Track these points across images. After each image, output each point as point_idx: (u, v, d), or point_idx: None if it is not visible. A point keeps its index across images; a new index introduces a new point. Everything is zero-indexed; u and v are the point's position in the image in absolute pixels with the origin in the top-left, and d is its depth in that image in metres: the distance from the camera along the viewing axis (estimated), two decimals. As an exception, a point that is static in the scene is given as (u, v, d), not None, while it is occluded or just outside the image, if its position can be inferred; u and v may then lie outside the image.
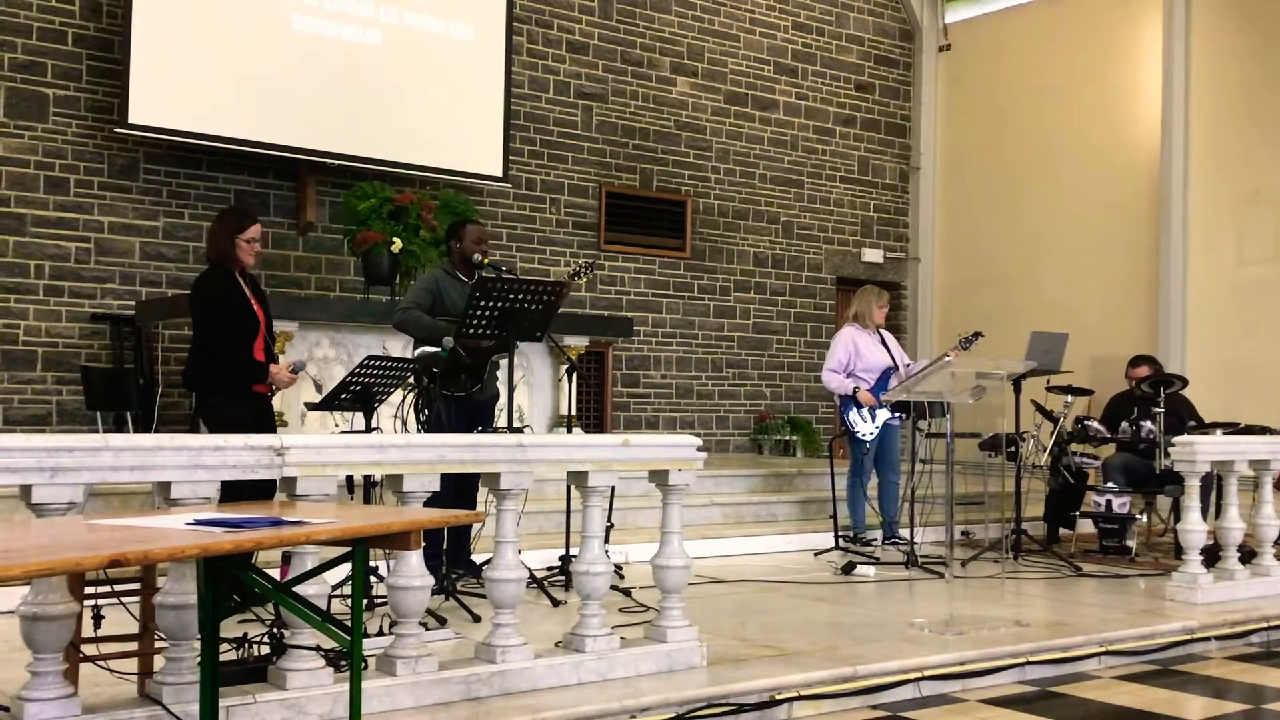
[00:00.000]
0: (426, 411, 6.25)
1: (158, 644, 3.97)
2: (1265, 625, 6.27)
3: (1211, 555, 6.86)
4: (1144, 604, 6.57)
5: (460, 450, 4.39)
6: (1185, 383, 8.89)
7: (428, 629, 4.80)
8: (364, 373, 6.15)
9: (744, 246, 13.09)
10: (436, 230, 9.31)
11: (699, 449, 4.90)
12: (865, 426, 8.30)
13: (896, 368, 8.38)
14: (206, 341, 5.84)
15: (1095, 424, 8.90)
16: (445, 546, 6.27)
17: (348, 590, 5.17)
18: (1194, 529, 6.62)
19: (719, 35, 12.92)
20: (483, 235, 6.73)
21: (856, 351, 8.38)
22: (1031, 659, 5.33)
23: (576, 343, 9.52)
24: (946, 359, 7.39)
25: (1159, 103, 12.25)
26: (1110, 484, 8.53)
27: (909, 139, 14.43)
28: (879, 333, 8.55)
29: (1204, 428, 8.73)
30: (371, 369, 6.15)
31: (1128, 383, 9.15)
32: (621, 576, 6.70)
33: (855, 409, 8.31)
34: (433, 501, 4.33)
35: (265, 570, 3.44)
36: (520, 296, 6.05)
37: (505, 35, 11.04)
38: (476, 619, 5.50)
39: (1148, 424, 8.58)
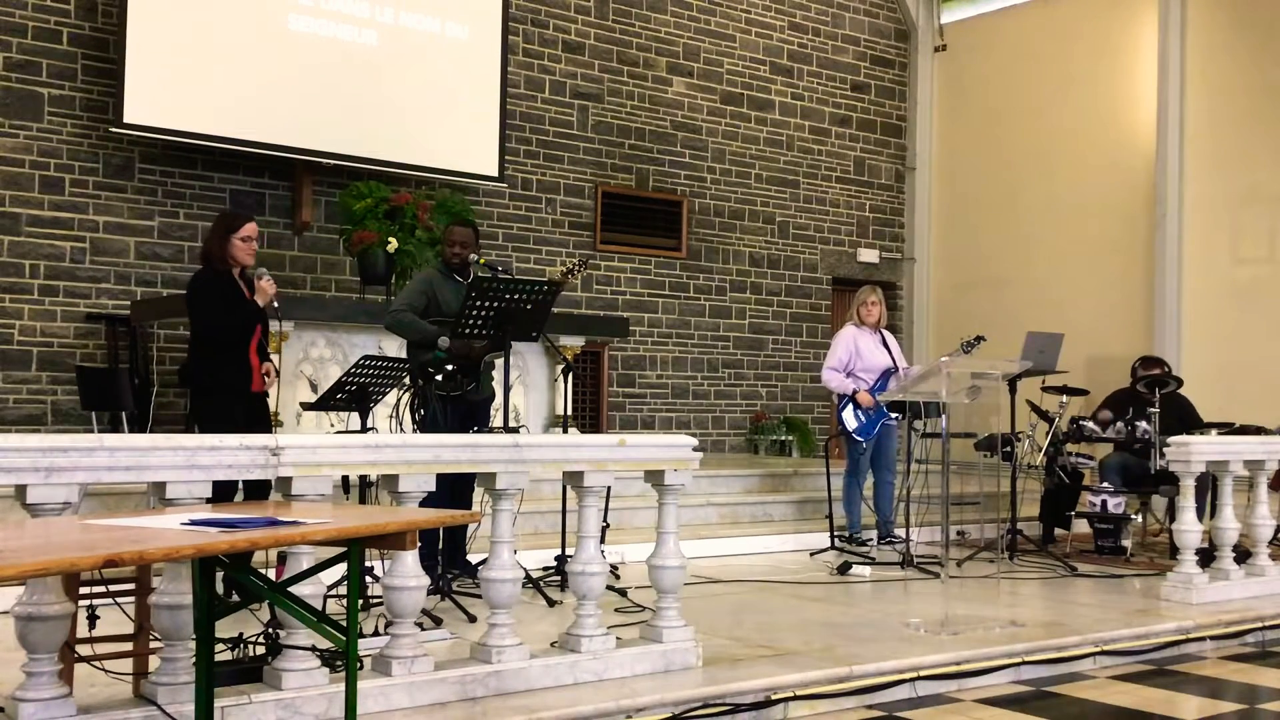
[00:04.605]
0: (422, 411, 6.25)
1: (153, 644, 3.97)
2: (1260, 625, 6.27)
3: (1206, 555, 6.87)
4: (1139, 604, 6.58)
5: (456, 450, 4.39)
6: (1180, 382, 8.90)
7: (423, 629, 4.80)
8: (359, 373, 6.16)
9: (740, 246, 13.10)
10: (433, 230, 9.30)
11: (695, 449, 4.90)
12: (861, 426, 8.29)
13: (896, 369, 8.39)
14: (201, 339, 5.96)
15: (1090, 424, 8.91)
16: (441, 547, 6.27)
17: (343, 590, 5.19)
18: (1189, 529, 6.63)
19: (715, 35, 12.93)
20: (458, 237, 6.60)
21: (857, 351, 8.38)
22: (1027, 659, 5.34)
23: (572, 343, 9.52)
24: (944, 362, 7.38)
25: (1154, 102, 12.26)
26: (1105, 484, 8.53)
27: (905, 139, 14.44)
28: (880, 333, 8.56)
29: (1200, 428, 8.74)
30: (367, 369, 6.16)
31: (1133, 381, 9.12)
32: (617, 576, 6.71)
33: (852, 409, 8.31)
34: (428, 502, 4.33)
35: (261, 570, 3.44)
36: (516, 296, 6.05)
37: (501, 35, 11.03)
38: (472, 619, 5.50)
39: (1143, 424, 8.59)
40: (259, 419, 5.98)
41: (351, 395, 6.18)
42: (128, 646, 4.03)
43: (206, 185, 9.98)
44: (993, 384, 7.38)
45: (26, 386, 9.21)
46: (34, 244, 9.26)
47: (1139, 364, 9.30)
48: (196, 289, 5.98)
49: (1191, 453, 6.52)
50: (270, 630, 4.07)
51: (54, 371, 9.27)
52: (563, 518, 6.59)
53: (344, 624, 3.13)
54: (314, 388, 8.42)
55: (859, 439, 8.31)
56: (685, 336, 12.67)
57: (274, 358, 6.37)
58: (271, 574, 4.73)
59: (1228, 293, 11.80)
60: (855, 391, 8.27)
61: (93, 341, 9.45)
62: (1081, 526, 8.82)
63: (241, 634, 4.10)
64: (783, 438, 12.78)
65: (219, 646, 3.64)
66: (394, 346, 8.21)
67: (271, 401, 6.57)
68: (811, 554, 8.29)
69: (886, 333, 8.65)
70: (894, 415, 8.35)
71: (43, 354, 9.27)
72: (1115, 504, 8.38)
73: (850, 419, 8.31)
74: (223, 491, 4.41)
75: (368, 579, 5.46)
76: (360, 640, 3.65)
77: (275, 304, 6.10)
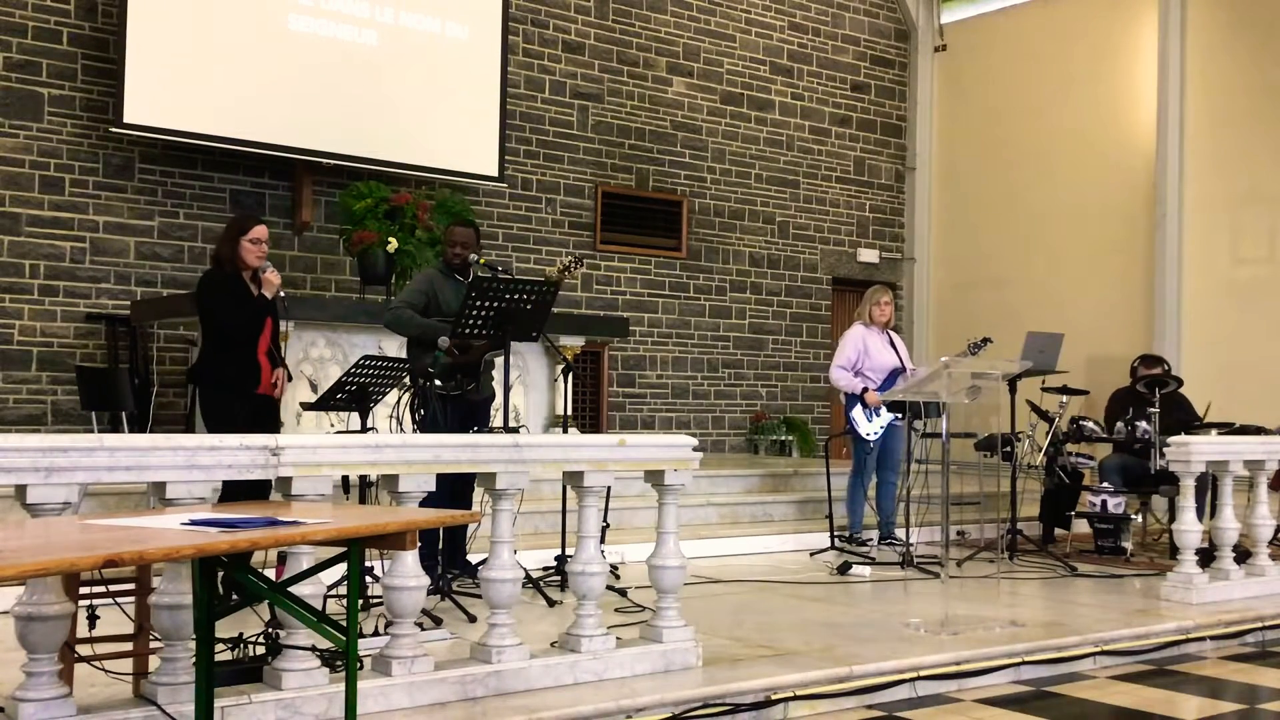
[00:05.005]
0: (422, 411, 6.24)
1: (153, 644, 3.97)
2: (1260, 625, 6.27)
3: (1206, 555, 6.87)
4: (1139, 604, 6.58)
5: (456, 450, 4.39)
6: (1180, 382, 8.90)
7: (423, 629, 4.80)
8: (360, 373, 6.16)
9: (740, 246, 13.10)
10: (433, 230, 9.31)
11: (695, 449, 4.90)
12: (869, 426, 8.27)
13: (904, 369, 8.36)
14: (209, 337, 6.04)
15: (1090, 424, 8.90)
16: (441, 547, 6.27)
17: (343, 590, 5.19)
18: (1189, 529, 6.63)
19: (715, 35, 12.93)
20: (459, 238, 6.59)
21: (865, 350, 8.35)
22: (1027, 659, 5.34)
23: (572, 343, 9.51)
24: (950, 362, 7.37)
25: (1154, 102, 12.26)
26: (1105, 484, 8.53)
27: (905, 139, 14.44)
28: (888, 333, 8.55)
29: (1200, 427, 8.74)
30: (367, 369, 6.16)
31: (1133, 380, 9.10)
32: (617, 576, 6.71)
33: (861, 408, 8.27)
34: (428, 502, 4.32)
35: (261, 570, 3.44)
36: (515, 296, 6.05)
37: (501, 35, 11.04)
38: (472, 619, 5.50)
39: (1143, 424, 8.59)
40: (263, 421, 5.95)
41: (351, 395, 6.18)
42: (128, 646, 4.03)
43: (206, 185, 9.99)
44: (993, 384, 7.38)
45: (26, 386, 9.21)
46: (34, 244, 9.27)
47: (1139, 362, 9.28)
48: (205, 286, 6.05)
49: (1191, 453, 6.52)
50: (270, 630, 4.07)
51: (54, 371, 9.27)
52: (563, 518, 6.59)
53: (344, 624, 3.13)
54: (314, 388, 8.41)
55: (866, 439, 8.28)
56: (685, 336, 12.67)
57: (287, 361, 6.38)
58: (271, 574, 4.73)
59: (1228, 293, 11.80)
60: (864, 390, 8.23)
61: (93, 341, 9.45)
62: (1081, 526, 8.81)
63: (241, 634, 4.10)
64: (783, 438, 12.78)
65: (219, 646, 3.64)
66: (394, 346, 8.20)
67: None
68: (811, 554, 8.28)
69: (893, 333, 8.63)
70: (897, 415, 8.32)
71: (43, 354, 9.27)
72: (1115, 504, 8.38)
73: (859, 419, 8.28)
74: (232, 492, 4.41)
75: (368, 579, 5.46)
76: (360, 640, 3.65)
77: (282, 294, 6.12)
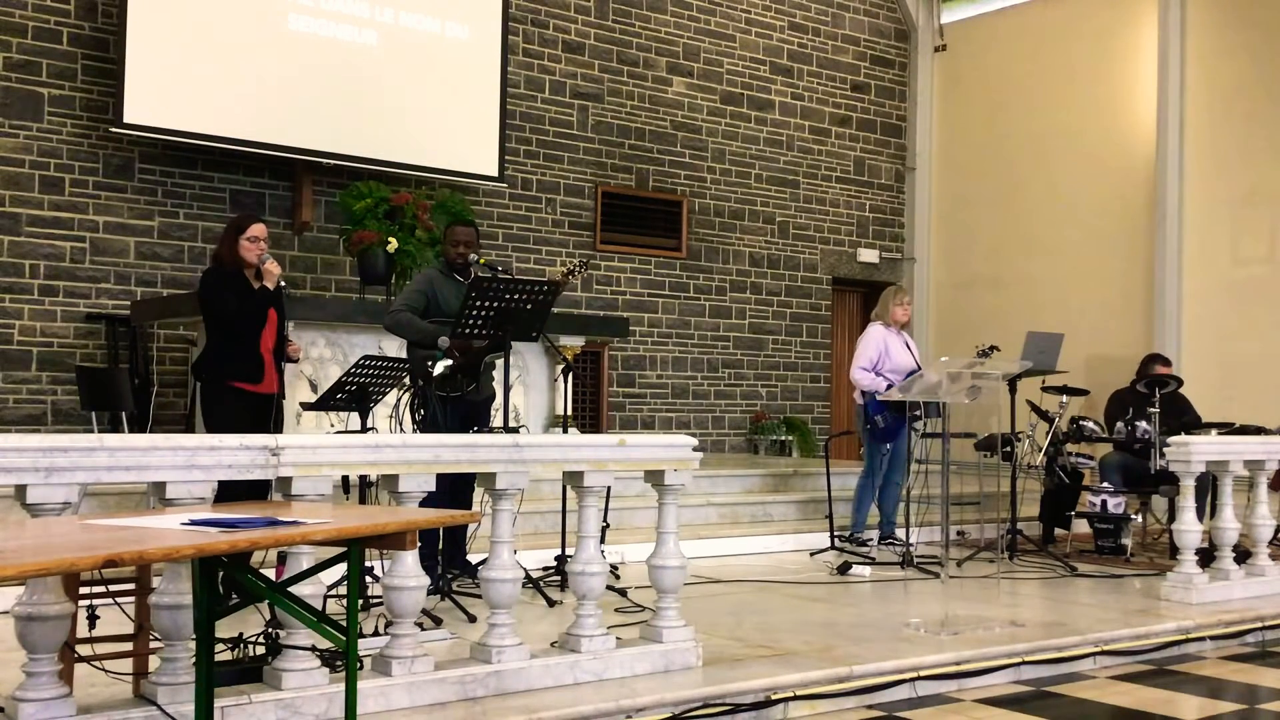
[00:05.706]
0: (422, 411, 6.25)
1: (153, 644, 3.97)
2: (1260, 625, 6.28)
3: (1206, 555, 6.87)
4: (1139, 604, 6.58)
5: (456, 450, 4.39)
6: (1180, 382, 8.90)
7: (423, 629, 4.80)
8: (359, 373, 6.16)
9: (740, 246, 13.10)
10: (433, 230, 9.31)
11: (695, 449, 4.90)
12: (889, 428, 8.22)
13: (920, 370, 8.33)
14: (213, 332, 6.06)
15: (1090, 424, 8.90)
16: (441, 547, 6.27)
17: (343, 590, 5.19)
18: (1189, 529, 6.63)
19: (715, 35, 12.93)
20: (462, 237, 6.61)
21: (886, 351, 8.31)
22: (1027, 659, 5.34)
23: (572, 343, 9.51)
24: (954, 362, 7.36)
25: (1155, 102, 12.26)
26: (1105, 484, 8.53)
27: (905, 139, 14.44)
28: (903, 335, 8.52)
29: (1200, 427, 8.74)
30: (367, 369, 6.16)
31: (1139, 376, 9.07)
32: (617, 576, 6.71)
33: (883, 408, 8.19)
34: (428, 501, 4.33)
35: (261, 570, 3.44)
36: (516, 296, 6.05)
37: (501, 35, 11.04)
38: (472, 619, 5.50)
39: (1143, 424, 8.59)
40: (263, 420, 5.93)
41: (351, 395, 6.19)
42: (128, 646, 4.03)
43: (206, 185, 9.99)
44: (993, 384, 7.38)
45: (26, 386, 9.21)
46: (34, 244, 9.27)
47: (1148, 361, 9.22)
48: (206, 282, 6.08)
49: (1192, 453, 6.52)
50: (270, 630, 4.07)
51: (54, 371, 9.27)
52: (563, 518, 6.59)
53: (344, 624, 3.13)
54: (314, 388, 8.41)
55: (883, 442, 8.23)
56: (685, 336, 12.67)
57: (292, 338, 6.41)
58: (271, 574, 4.73)
59: (1228, 292, 11.80)
60: (889, 387, 8.16)
61: (93, 341, 9.45)
62: (1081, 526, 8.81)
63: (241, 634, 4.10)
64: (783, 438, 12.78)
65: (219, 646, 3.64)
66: (394, 346, 8.20)
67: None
68: (811, 554, 8.28)
69: (906, 334, 8.61)
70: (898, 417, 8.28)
71: (43, 354, 9.27)
72: (1115, 504, 8.37)
73: (880, 420, 8.20)
74: (231, 492, 4.40)
75: (368, 579, 5.47)
76: (360, 640, 3.65)
77: (283, 284, 6.12)
